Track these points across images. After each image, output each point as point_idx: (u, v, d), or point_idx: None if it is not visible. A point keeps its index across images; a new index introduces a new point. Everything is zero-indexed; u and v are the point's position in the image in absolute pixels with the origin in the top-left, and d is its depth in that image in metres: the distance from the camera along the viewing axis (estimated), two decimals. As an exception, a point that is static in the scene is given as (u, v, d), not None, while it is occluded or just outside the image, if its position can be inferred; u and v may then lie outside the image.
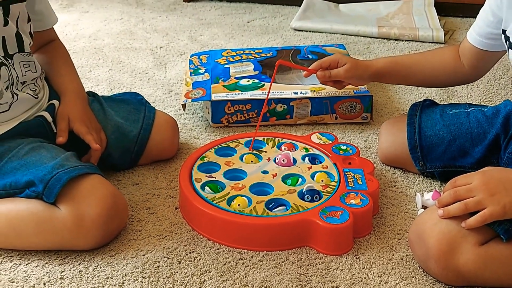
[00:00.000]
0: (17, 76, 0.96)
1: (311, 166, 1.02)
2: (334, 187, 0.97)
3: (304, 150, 1.07)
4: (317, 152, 1.07)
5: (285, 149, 1.05)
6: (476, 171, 0.83)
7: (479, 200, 0.77)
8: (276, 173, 1.00)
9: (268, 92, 1.05)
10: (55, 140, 0.99)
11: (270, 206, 0.93)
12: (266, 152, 1.07)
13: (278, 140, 1.10)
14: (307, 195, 0.94)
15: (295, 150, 1.06)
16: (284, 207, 0.93)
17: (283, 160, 1.00)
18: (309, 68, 1.07)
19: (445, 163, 1.05)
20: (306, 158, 1.04)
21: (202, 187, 0.97)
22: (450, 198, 0.79)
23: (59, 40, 1.13)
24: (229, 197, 0.94)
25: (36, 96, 1.00)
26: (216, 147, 1.08)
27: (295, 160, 1.02)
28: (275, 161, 1.03)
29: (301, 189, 0.96)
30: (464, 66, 1.05)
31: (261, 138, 1.10)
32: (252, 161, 1.04)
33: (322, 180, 0.98)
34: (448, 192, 0.80)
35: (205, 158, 1.04)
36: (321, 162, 1.03)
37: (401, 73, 1.09)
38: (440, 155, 1.04)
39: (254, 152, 1.06)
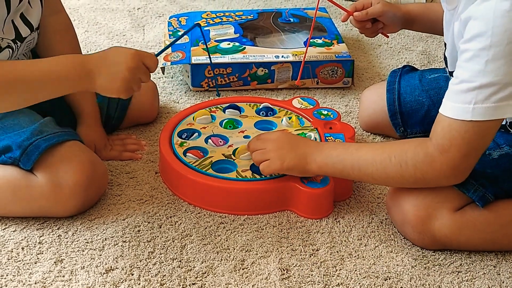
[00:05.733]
0: (16, 56, 0.91)
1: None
2: None
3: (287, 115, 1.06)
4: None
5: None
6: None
7: (266, 151, 0.88)
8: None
9: (305, 53, 1.09)
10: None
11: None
12: (246, 116, 1.06)
13: (256, 105, 1.09)
14: (262, 111, 1.05)
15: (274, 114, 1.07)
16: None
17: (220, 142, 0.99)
18: (346, 9, 1.06)
19: (426, 128, 1.05)
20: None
21: (184, 153, 0.96)
22: (253, 145, 0.91)
23: (65, 13, 1.01)
24: (213, 162, 0.94)
25: None
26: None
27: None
28: (255, 126, 1.03)
29: None
30: None
31: (242, 104, 1.09)
32: (230, 126, 1.03)
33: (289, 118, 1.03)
34: (254, 140, 0.92)
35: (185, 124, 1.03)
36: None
37: (432, 19, 1.05)
38: (420, 120, 1.05)
39: (233, 117, 1.05)
